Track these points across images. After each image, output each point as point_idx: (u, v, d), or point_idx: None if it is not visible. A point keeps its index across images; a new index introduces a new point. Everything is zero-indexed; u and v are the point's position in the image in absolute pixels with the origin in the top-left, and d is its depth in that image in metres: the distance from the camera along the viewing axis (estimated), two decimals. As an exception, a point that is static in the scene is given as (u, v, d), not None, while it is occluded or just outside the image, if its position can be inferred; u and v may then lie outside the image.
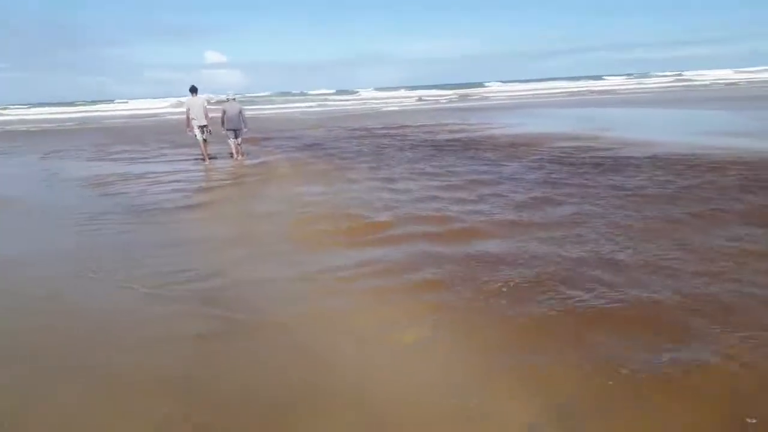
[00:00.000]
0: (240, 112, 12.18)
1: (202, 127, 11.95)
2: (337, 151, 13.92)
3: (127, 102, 65.76)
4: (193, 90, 11.91)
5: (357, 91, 74.87)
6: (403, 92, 69.18)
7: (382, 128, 20.44)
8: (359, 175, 9.99)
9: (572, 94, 48.12)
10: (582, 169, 9.29)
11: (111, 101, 68.43)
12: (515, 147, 12.69)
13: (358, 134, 18.38)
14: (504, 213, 6.50)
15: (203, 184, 9.97)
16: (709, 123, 16.26)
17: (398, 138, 16.34)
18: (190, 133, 12.08)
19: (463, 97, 52.92)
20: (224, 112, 12.18)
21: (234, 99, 12.35)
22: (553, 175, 8.80)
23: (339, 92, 75.09)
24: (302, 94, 75.33)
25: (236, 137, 12.40)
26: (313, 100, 57.07)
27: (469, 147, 13.24)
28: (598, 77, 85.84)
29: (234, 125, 12.24)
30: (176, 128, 20.75)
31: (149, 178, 10.69)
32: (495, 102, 40.46)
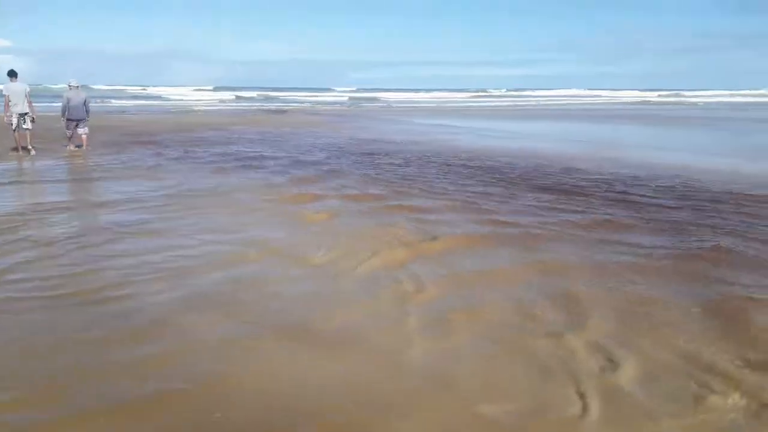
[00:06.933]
0: (85, 101, 11.43)
1: (22, 115, 10.62)
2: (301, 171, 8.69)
3: None
4: (12, 74, 10.52)
5: (177, 87, 64.50)
6: (233, 93, 58.34)
7: (292, 131, 15.49)
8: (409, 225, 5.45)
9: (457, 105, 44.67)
10: None
11: None
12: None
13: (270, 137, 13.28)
14: None
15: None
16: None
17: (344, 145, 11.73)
18: (7, 121, 10.81)
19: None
20: (68, 101, 11.18)
21: (78, 87, 11.47)
22: None
23: (150, 87, 63.63)
24: (112, 88, 61.92)
25: (80, 127, 11.43)
26: (133, 95, 47.07)
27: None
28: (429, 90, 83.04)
29: (78, 115, 11.34)
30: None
31: None
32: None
